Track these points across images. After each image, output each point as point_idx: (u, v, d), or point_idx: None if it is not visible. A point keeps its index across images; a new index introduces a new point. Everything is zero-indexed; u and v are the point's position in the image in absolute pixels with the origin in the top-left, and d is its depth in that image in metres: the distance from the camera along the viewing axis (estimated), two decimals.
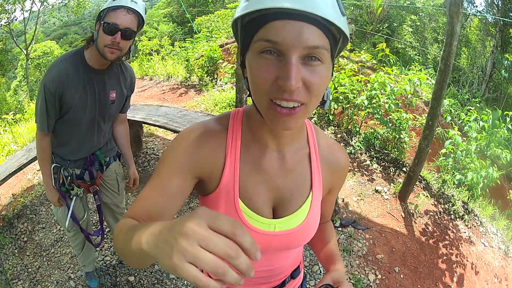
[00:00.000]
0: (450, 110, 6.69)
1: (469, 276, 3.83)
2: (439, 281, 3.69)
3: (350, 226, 4.02)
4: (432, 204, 4.64)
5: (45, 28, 34.43)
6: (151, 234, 0.66)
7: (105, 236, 3.02)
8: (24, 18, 13.63)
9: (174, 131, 4.41)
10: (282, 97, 0.82)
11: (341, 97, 5.90)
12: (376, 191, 4.67)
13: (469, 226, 4.46)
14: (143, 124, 5.17)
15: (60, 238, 3.89)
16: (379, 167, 5.17)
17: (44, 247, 3.80)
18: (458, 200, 4.79)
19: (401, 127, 5.46)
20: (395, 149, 5.62)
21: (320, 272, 3.46)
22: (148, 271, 3.49)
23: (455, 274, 3.79)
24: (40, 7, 13.50)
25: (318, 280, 3.29)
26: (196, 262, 0.54)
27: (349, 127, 6.05)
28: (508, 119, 5.52)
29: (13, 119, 7.77)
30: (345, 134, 5.83)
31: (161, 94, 8.05)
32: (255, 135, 1.09)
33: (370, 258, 3.70)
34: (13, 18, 12.96)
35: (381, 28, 17.28)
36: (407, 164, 5.23)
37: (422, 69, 13.05)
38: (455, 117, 6.57)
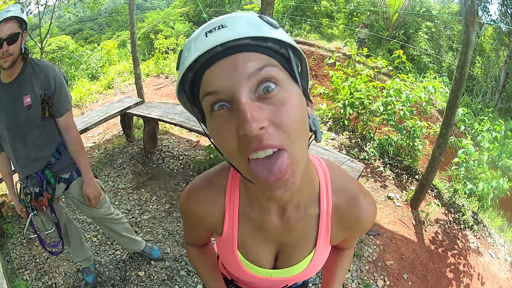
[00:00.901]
0: (464, 119, 6.67)
1: (475, 286, 3.82)
2: None
3: None
4: (443, 213, 4.64)
5: (60, 22, 34.54)
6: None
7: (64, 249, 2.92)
8: (39, 12, 13.70)
9: (191, 130, 4.44)
10: (252, 148, 0.69)
11: (356, 103, 5.91)
12: (389, 197, 4.68)
13: (477, 237, 4.46)
14: (159, 122, 5.20)
15: None
16: (392, 173, 5.18)
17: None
18: (468, 210, 4.79)
19: (415, 135, 5.47)
20: (409, 157, 5.62)
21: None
22: (158, 267, 3.50)
23: (462, 284, 3.78)
24: (56, 1, 13.54)
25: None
26: None
27: (363, 133, 6.05)
28: None
29: None
30: (359, 140, 5.85)
31: None
32: (253, 198, 1.03)
33: (379, 264, 3.72)
34: (28, 11, 13.02)
35: (397, 34, 17.19)
36: (419, 172, 5.24)
37: (437, 77, 12.98)
38: (468, 127, 6.56)
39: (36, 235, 2.70)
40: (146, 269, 3.48)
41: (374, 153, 5.47)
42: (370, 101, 5.85)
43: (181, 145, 5.62)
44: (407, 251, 3.95)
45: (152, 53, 10.99)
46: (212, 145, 4.85)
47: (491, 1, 15.87)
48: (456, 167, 5.07)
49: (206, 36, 0.70)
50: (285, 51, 0.75)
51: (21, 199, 2.50)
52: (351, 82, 6.11)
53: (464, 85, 3.72)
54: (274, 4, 3.90)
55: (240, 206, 1.05)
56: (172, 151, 5.45)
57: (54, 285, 3.35)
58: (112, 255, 3.64)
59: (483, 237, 4.51)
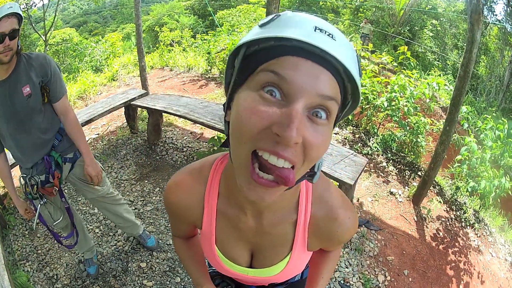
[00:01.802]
0: (468, 117, 6.66)
1: (475, 285, 3.82)
2: None
3: (363, 226, 4.05)
4: (445, 210, 4.63)
5: (64, 15, 34.49)
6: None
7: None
8: (43, 4, 13.69)
9: (195, 122, 4.45)
10: (272, 149, 0.67)
11: (361, 98, 5.89)
12: (391, 193, 4.68)
13: (478, 235, 4.46)
14: (163, 114, 5.22)
15: None
16: (394, 169, 5.19)
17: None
18: (470, 208, 4.78)
19: (418, 131, 5.46)
20: (411, 153, 5.61)
21: None
22: (160, 258, 3.52)
23: (462, 282, 3.78)
24: None
25: None
26: None
27: (367, 128, 6.06)
28: None
29: None
30: (363, 135, 5.85)
31: (181, 85, 8.08)
32: (231, 196, 1.02)
33: (380, 259, 3.73)
34: (32, 4, 13.02)
35: (402, 31, 17.15)
36: (422, 168, 5.24)
37: (441, 74, 12.96)
38: (471, 125, 6.54)
39: (48, 230, 2.80)
40: (148, 260, 3.50)
41: (378, 148, 5.47)
42: (375, 97, 5.85)
43: (185, 137, 5.63)
44: (408, 247, 3.95)
45: (157, 45, 10.98)
46: (216, 134, 4.86)
47: (496, 1, 15.83)
48: (459, 164, 5.06)
49: (315, 31, 0.65)
50: (350, 97, 0.75)
51: (27, 192, 2.55)
52: None
53: (468, 83, 3.72)
54: None
55: (218, 202, 1.06)
56: (176, 143, 5.47)
57: (55, 276, 3.37)
58: (114, 246, 3.66)
59: (484, 235, 4.51)
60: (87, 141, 5.42)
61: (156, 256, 3.54)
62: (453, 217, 4.57)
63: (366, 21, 16.14)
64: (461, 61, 3.71)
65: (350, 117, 6.13)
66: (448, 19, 18.48)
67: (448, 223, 4.43)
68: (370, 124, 6.09)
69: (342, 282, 3.40)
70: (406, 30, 17.22)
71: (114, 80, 8.72)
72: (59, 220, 2.79)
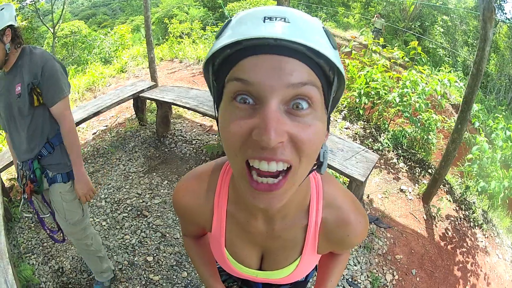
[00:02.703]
0: (478, 115, 6.60)
1: (481, 286, 3.78)
2: None
3: (373, 223, 4.02)
4: (454, 209, 4.60)
5: (72, 8, 34.52)
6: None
7: None
8: None
9: (204, 114, 4.44)
10: (260, 156, 0.65)
11: (372, 92, 5.86)
12: (401, 190, 4.65)
13: (486, 236, 4.42)
14: (172, 106, 5.19)
15: None
16: (405, 166, 5.15)
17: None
18: (479, 208, 4.75)
19: (429, 128, 5.42)
20: (422, 150, 5.58)
21: None
22: (167, 252, 3.51)
23: (468, 283, 3.74)
24: None
25: None
26: None
27: (378, 123, 6.03)
28: None
29: None
30: (374, 130, 5.82)
31: (191, 77, 8.03)
32: (241, 200, 1.00)
33: (389, 258, 3.70)
34: None
35: (413, 26, 17.03)
36: (432, 166, 5.21)
37: (452, 71, 12.88)
38: (482, 123, 6.49)
39: (36, 215, 2.68)
40: (155, 254, 3.49)
41: (388, 144, 5.43)
42: (386, 92, 5.79)
43: (194, 130, 5.61)
44: (417, 246, 3.92)
45: (166, 37, 10.95)
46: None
47: (505, 0, 15.76)
48: (469, 163, 5.02)
49: (264, 22, 0.63)
50: (332, 74, 0.70)
51: (18, 178, 2.51)
52: (367, 71, 6.06)
53: (480, 81, 3.68)
54: None
55: (228, 205, 1.05)
56: (185, 135, 5.45)
57: (61, 270, 3.35)
58: (121, 239, 3.65)
59: (492, 236, 4.47)
60: (95, 132, 5.47)
61: (163, 250, 3.53)
62: (462, 216, 4.53)
63: (378, 15, 15.93)
64: (471, 58, 3.68)
65: (361, 111, 6.11)
66: (459, 16, 18.32)
67: (457, 223, 4.40)
68: (381, 119, 6.06)
69: (350, 280, 3.38)
70: (416, 25, 17.09)
71: (123, 72, 8.70)
72: (46, 215, 2.67)
